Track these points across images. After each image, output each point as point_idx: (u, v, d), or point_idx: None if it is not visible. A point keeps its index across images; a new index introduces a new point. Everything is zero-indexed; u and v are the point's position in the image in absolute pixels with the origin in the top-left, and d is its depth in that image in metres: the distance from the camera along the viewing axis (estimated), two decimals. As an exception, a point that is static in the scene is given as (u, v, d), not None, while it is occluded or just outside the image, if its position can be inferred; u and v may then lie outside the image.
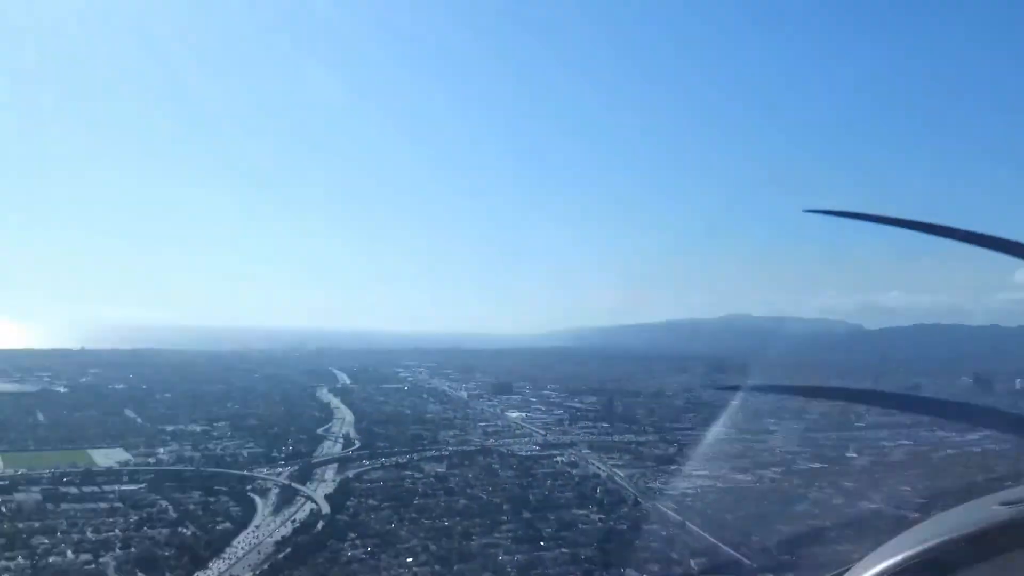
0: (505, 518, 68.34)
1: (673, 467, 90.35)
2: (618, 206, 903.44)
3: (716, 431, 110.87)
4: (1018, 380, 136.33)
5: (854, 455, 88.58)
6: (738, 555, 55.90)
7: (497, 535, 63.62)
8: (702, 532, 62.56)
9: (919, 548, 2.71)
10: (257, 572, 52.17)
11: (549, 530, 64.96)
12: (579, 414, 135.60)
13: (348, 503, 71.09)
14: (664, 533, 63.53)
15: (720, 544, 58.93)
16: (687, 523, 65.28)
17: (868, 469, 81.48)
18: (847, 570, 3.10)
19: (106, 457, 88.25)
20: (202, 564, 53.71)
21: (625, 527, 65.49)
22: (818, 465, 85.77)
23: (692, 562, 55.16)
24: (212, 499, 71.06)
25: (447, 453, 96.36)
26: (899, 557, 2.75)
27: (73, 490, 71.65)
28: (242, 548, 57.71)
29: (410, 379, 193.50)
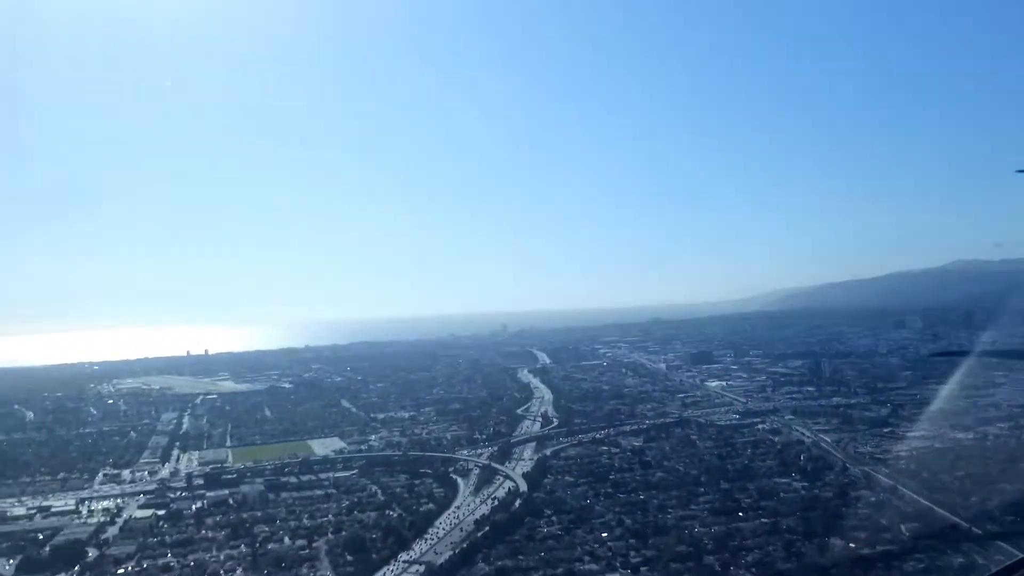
0: (702, 490, 66.79)
1: (886, 429, 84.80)
2: (820, 155, 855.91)
3: (935, 388, 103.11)
4: None
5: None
6: (956, 519, 51.41)
7: (694, 507, 62.20)
8: (916, 496, 58.27)
9: None
10: (457, 551, 54.00)
11: (748, 500, 62.76)
12: (783, 379, 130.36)
13: (545, 480, 72.23)
14: (873, 499, 59.74)
15: (935, 507, 54.51)
16: (899, 487, 61.02)
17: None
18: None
19: (323, 446, 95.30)
20: (406, 545, 56.39)
21: (830, 494, 62.08)
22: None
23: (903, 527, 51.30)
24: (417, 482, 74.63)
25: (644, 427, 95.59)
26: None
27: (292, 479, 77.83)
28: (444, 528, 60.06)
29: (609, 355, 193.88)
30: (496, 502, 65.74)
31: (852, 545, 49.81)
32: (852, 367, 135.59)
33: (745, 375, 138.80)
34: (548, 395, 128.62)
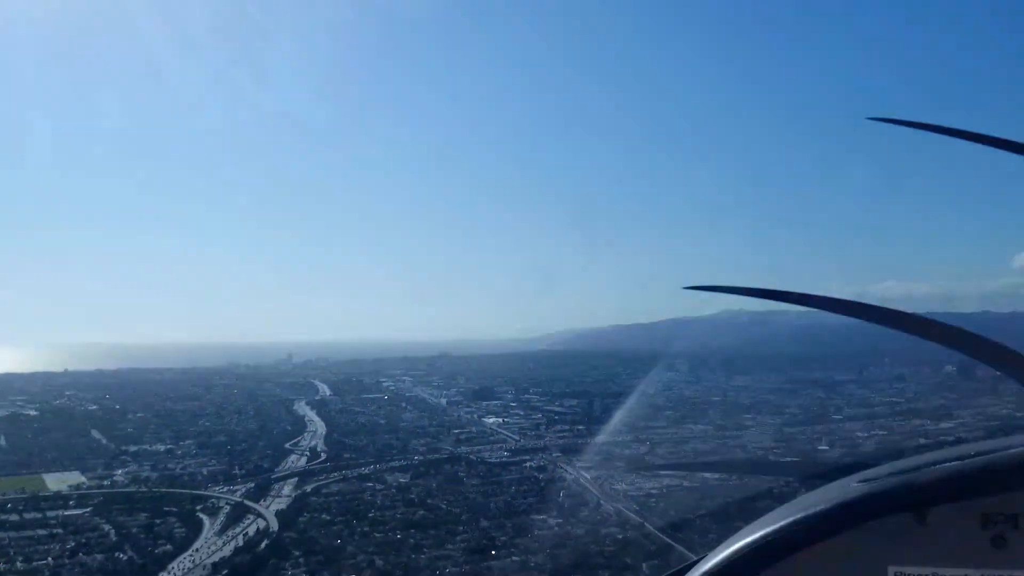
0: (462, 528, 66.17)
1: (645, 472, 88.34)
2: (610, 204, 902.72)
3: (691, 428, 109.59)
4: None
5: (826, 448, 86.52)
6: (692, 555, 53.59)
7: (450, 546, 61.42)
8: (659, 534, 60.48)
9: (774, 526, 2.77)
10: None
11: (504, 538, 62.83)
12: (556, 417, 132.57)
13: (300, 519, 68.83)
14: (620, 536, 61.46)
15: (675, 545, 56.79)
16: (646, 524, 63.23)
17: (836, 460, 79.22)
18: (704, 556, 3.07)
19: (59, 481, 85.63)
20: (130, 591, 51.41)
21: (581, 531, 63.26)
22: (790, 459, 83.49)
23: (644, 565, 52.97)
24: (159, 521, 68.70)
25: (414, 462, 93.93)
26: (754, 536, 2.80)
27: (14, 517, 69.28)
28: (177, 572, 55.40)
29: (392, 388, 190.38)
30: (242, 542, 61.70)
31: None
32: (621, 407, 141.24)
33: (522, 412, 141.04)
34: (322, 428, 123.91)
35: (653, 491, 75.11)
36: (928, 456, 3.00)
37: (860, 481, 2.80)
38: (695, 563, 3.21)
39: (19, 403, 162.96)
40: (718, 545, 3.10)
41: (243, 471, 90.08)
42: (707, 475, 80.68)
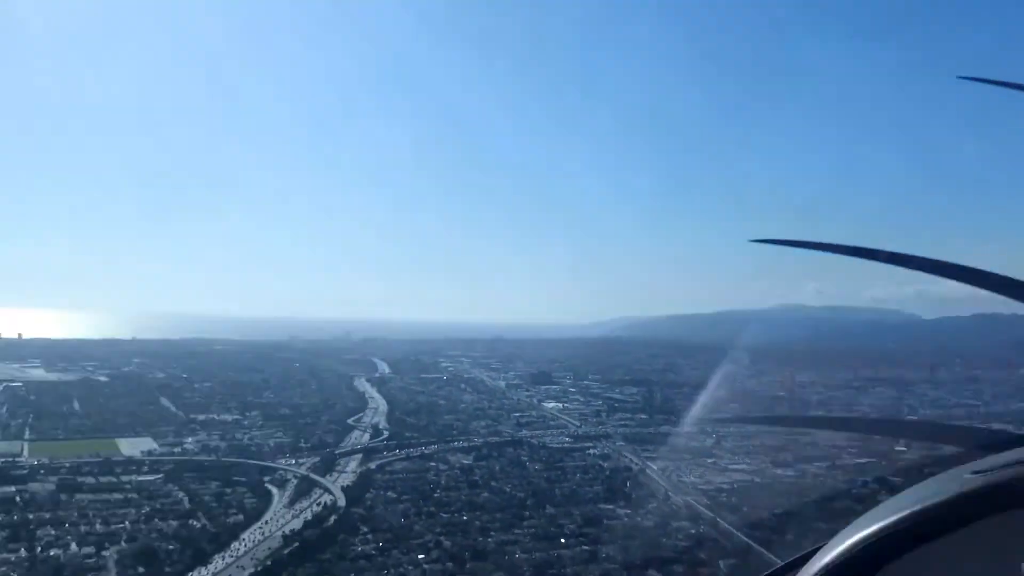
0: (527, 513, 65.49)
1: (710, 460, 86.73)
2: (673, 191, 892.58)
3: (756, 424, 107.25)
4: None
5: (903, 448, 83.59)
6: (772, 556, 52.17)
7: (517, 531, 60.76)
8: (733, 530, 59.08)
9: (892, 519, 2.68)
10: (259, 568, 50.04)
11: (572, 526, 61.86)
12: (617, 405, 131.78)
13: (366, 496, 68.91)
14: (693, 531, 60.16)
15: (752, 544, 55.39)
16: (719, 520, 61.88)
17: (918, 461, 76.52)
18: (822, 546, 3.02)
19: (132, 446, 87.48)
20: (205, 559, 51.87)
21: (651, 524, 62.21)
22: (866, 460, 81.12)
23: (721, 563, 51.70)
24: (229, 490, 69.53)
25: (476, 444, 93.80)
26: (873, 528, 2.71)
27: (90, 480, 70.76)
28: (249, 542, 55.80)
29: (451, 369, 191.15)
30: (310, 516, 61.92)
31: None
32: (683, 397, 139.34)
33: (582, 398, 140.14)
34: (383, 406, 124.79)
35: (724, 485, 73.49)
36: None
37: (973, 472, 2.65)
38: (808, 555, 3.09)
39: (89, 368, 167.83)
40: (815, 543, 3.01)
41: (308, 445, 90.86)
42: (779, 471, 79.20)
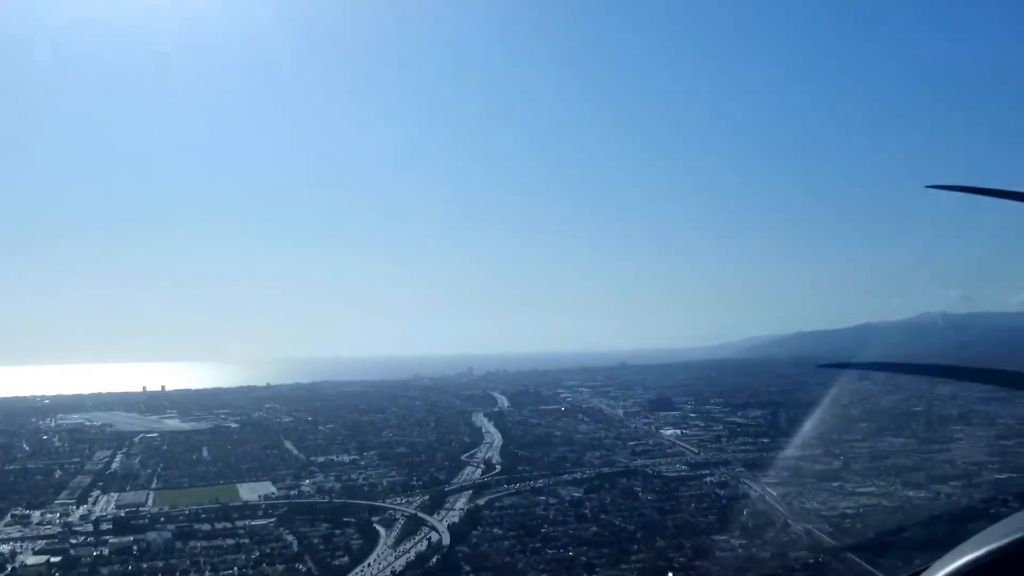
0: (636, 547, 63.07)
1: (835, 484, 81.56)
2: (791, 206, 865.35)
3: (891, 441, 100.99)
4: None
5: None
6: None
7: (624, 566, 58.57)
8: (857, 559, 54.88)
9: (1003, 541, 2.66)
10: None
11: (682, 559, 59.11)
12: (739, 429, 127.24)
13: (472, 533, 68.16)
14: (811, 561, 56.32)
15: (877, 572, 51.16)
16: (840, 548, 57.75)
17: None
18: (924, 568, 3.00)
19: (252, 491, 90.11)
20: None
21: (767, 555, 58.57)
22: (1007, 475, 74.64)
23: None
24: (338, 531, 70.25)
25: (588, 476, 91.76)
26: (983, 550, 2.69)
27: (206, 526, 72.92)
28: (351, 585, 55.90)
29: (569, 399, 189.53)
30: (413, 557, 61.61)
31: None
32: (810, 418, 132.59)
33: (702, 423, 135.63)
34: (498, 440, 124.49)
35: (848, 510, 68.75)
36: None
37: None
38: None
39: (222, 416, 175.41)
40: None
41: (420, 482, 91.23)
42: (910, 493, 73.42)
